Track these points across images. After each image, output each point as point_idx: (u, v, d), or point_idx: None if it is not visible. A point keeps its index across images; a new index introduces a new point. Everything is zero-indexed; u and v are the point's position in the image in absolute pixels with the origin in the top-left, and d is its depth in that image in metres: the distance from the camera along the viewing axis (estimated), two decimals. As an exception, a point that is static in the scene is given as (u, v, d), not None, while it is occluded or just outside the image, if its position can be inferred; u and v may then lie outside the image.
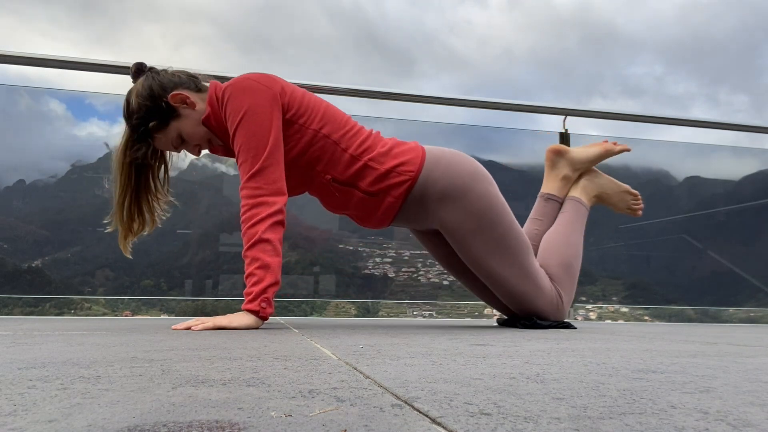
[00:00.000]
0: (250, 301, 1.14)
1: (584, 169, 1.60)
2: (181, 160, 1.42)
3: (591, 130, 2.76)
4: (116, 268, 2.67)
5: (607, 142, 1.60)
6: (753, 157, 3.20)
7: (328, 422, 0.32)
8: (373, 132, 1.35)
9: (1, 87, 2.35)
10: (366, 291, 2.96)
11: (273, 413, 0.34)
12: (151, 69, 1.29)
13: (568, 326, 1.43)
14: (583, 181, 1.59)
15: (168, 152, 1.36)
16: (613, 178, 1.62)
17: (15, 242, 2.60)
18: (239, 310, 1.16)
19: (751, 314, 3.08)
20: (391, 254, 2.96)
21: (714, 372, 0.57)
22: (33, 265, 2.61)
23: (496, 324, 1.61)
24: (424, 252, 3.06)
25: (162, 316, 2.48)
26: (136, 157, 1.28)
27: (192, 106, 1.27)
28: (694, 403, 0.39)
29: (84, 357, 0.62)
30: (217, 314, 1.21)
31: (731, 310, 3.13)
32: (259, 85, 1.22)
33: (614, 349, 0.83)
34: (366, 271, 2.91)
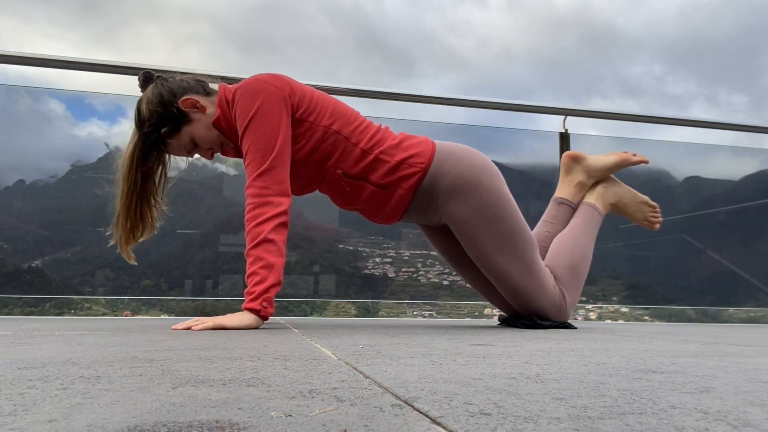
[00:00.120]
0: (252, 300, 1.14)
1: (599, 177, 1.60)
2: (181, 160, 1.42)
3: (591, 130, 2.76)
4: (116, 268, 2.67)
5: (626, 152, 1.60)
6: (753, 157, 3.20)
7: (328, 422, 0.32)
8: (382, 127, 1.36)
9: (1, 87, 2.35)
10: (366, 291, 2.96)
11: (273, 413, 0.34)
12: (159, 76, 1.31)
13: (569, 326, 1.43)
14: (599, 188, 1.59)
15: (167, 161, 1.37)
16: (631, 188, 1.62)
17: (15, 242, 2.60)
18: (239, 309, 1.16)
19: (751, 314, 3.08)
20: (391, 254, 2.96)
21: (714, 372, 0.57)
22: (33, 265, 2.61)
23: (496, 324, 1.61)
24: (424, 252, 3.06)
25: (162, 316, 2.48)
26: (145, 163, 1.29)
27: (202, 110, 1.28)
28: (694, 403, 0.39)
29: (84, 357, 0.62)
30: (217, 314, 1.21)
31: (731, 310, 3.13)
32: (268, 86, 1.23)
33: (614, 349, 0.83)
34: (366, 271, 2.91)
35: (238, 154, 1.36)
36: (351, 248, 2.96)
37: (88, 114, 2.65)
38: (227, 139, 1.32)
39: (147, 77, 1.31)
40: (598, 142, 2.81)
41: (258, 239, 1.16)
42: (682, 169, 3.24)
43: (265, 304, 1.14)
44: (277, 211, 1.19)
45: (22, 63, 2.01)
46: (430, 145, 1.33)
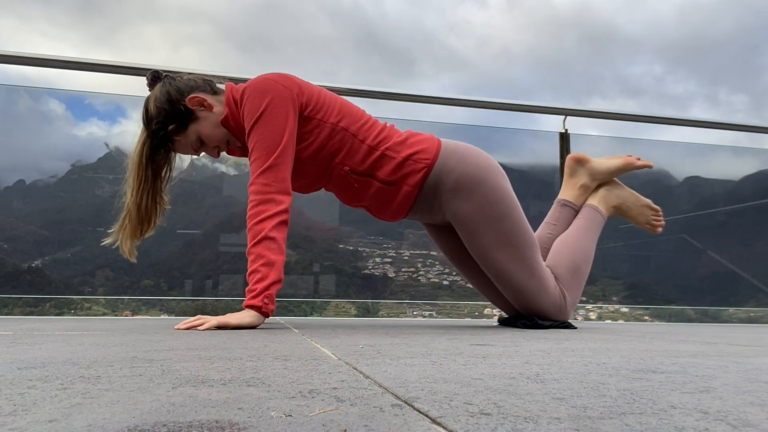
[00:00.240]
0: (253, 297, 1.14)
1: (603, 179, 1.60)
2: (184, 159, 1.43)
3: (591, 130, 2.76)
4: (116, 268, 2.67)
5: (630, 156, 1.60)
6: (753, 157, 3.20)
7: (328, 422, 0.32)
8: (388, 124, 1.37)
9: (1, 87, 2.35)
10: (366, 291, 2.96)
11: (273, 413, 0.34)
12: (167, 75, 1.32)
13: (569, 326, 1.43)
14: (602, 191, 1.60)
15: (173, 159, 1.38)
16: (634, 192, 1.62)
17: (15, 242, 2.60)
18: (239, 309, 1.16)
19: (751, 314, 3.08)
20: (391, 254, 2.96)
21: (714, 372, 0.57)
22: (33, 265, 2.61)
23: (496, 324, 1.61)
24: (424, 252, 3.05)
25: (162, 316, 2.48)
26: (154, 161, 1.30)
27: (209, 108, 1.29)
28: (694, 403, 0.39)
29: (84, 357, 0.62)
30: (217, 314, 1.21)
31: (731, 310, 3.13)
32: (277, 85, 1.25)
33: (614, 349, 0.83)
34: (366, 271, 2.91)
35: (244, 153, 1.37)
36: (351, 248, 2.96)
37: (88, 114, 2.65)
38: (234, 137, 1.33)
39: (155, 76, 1.33)
40: (598, 142, 2.81)
41: (259, 237, 1.17)
42: (682, 169, 3.24)
43: (266, 301, 1.15)
44: (278, 209, 1.20)
45: (22, 63, 2.01)
46: (436, 142, 1.34)
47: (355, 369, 0.55)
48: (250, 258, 1.17)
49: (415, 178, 1.31)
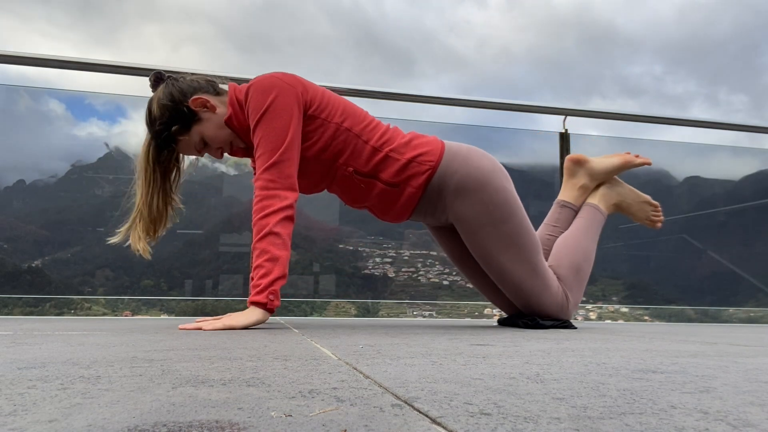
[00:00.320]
0: (258, 293, 1.14)
1: (603, 179, 1.61)
2: (188, 158, 1.43)
3: (591, 130, 2.76)
4: (116, 268, 2.67)
5: (629, 153, 1.60)
6: (753, 157, 3.20)
7: (328, 422, 0.32)
8: (391, 126, 1.37)
9: (1, 87, 2.35)
10: (366, 291, 2.96)
11: (273, 413, 0.34)
12: (170, 76, 1.33)
13: (569, 326, 1.43)
14: (602, 189, 1.60)
15: (182, 159, 1.38)
16: (633, 188, 1.63)
17: (15, 242, 2.60)
18: (239, 309, 1.16)
19: (751, 314, 3.08)
20: (391, 254, 2.96)
21: (714, 372, 0.57)
22: (33, 265, 2.61)
23: (496, 324, 1.61)
24: (424, 252, 3.05)
25: (162, 316, 2.48)
26: (160, 161, 1.31)
27: (212, 109, 1.29)
28: (694, 403, 0.39)
29: (84, 357, 0.62)
30: (217, 314, 1.21)
31: (731, 310, 3.13)
32: (282, 83, 1.25)
33: (614, 349, 0.83)
34: (366, 271, 2.91)
35: (247, 153, 1.38)
36: (351, 248, 2.96)
37: (88, 114, 2.65)
38: (238, 138, 1.33)
39: (158, 77, 1.33)
40: (598, 142, 2.81)
41: (263, 232, 1.17)
42: (682, 169, 3.24)
43: (271, 296, 1.15)
44: (283, 205, 1.20)
45: (22, 63, 2.01)
46: (440, 144, 1.34)
47: (355, 369, 0.55)
48: (255, 253, 1.18)
49: (419, 180, 1.31)
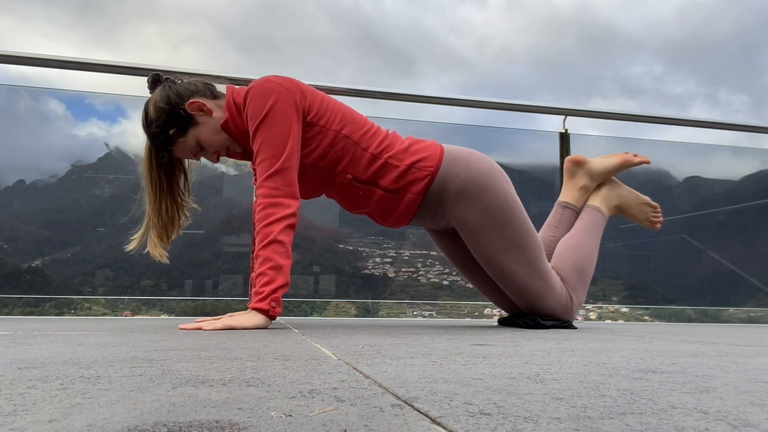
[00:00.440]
0: (260, 300, 1.15)
1: (602, 179, 1.62)
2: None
3: (591, 130, 2.76)
4: (116, 268, 2.67)
5: (627, 153, 1.61)
6: (753, 157, 3.20)
7: (328, 422, 0.32)
8: (390, 132, 1.37)
9: (1, 87, 2.35)
10: (366, 291, 2.96)
11: (273, 413, 0.34)
12: (167, 79, 1.32)
13: (569, 326, 1.43)
14: (603, 191, 1.61)
15: (186, 160, 1.38)
16: (633, 190, 1.64)
17: (15, 242, 2.60)
18: (239, 309, 1.16)
19: (751, 314, 3.08)
20: (391, 254, 2.96)
21: (714, 372, 0.57)
22: (33, 265, 2.61)
23: (496, 324, 1.61)
24: (424, 252, 3.05)
25: (162, 316, 2.48)
26: (162, 165, 1.31)
27: (209, 113, 1.29)
28: (694, 403, 0.39)
29: (84, 357, 0.62)
30: (217, 314, 1.21)
31: (731, 310, 3.13)
32: (280, 88, 1.24)
33: (614, 349, 0.83)
34: (366, 271, 2.91)
35: (245, 157, 1.37)
36: (351, 248, 2.96)
37: (88, 114, 2.65)
38: (235, 142, 1.33)
39: (155, 79, 1.32)
40: (598, 142, 2.81)
41: (267, 240, 1.17)
42: (682, 169, 3.24)
43: (273, 304, 1.15)
44: (287, 213, 1.20)
45: (22, 63, 2.01)
46: (439, 148, 1.34)
47: (355, 369, 0.55)
48: (258, 260, 1.18)
49: (419, 185, 1.30)
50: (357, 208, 1.39)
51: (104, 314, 2.45)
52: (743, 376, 0.55)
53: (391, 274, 2.94)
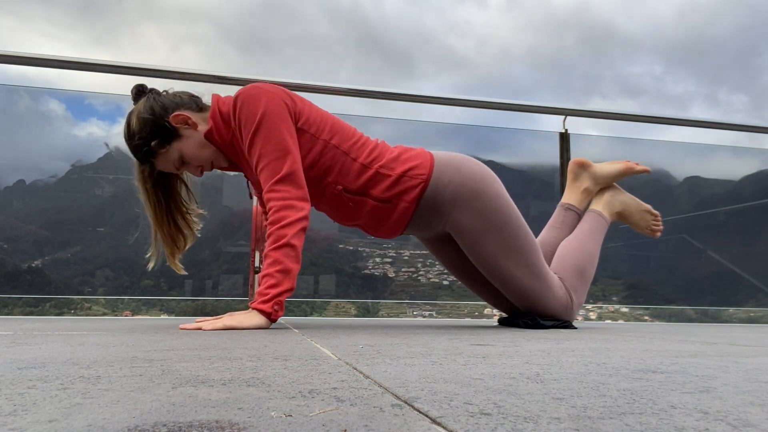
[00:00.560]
0: (264, 302, 1.14)
1: (605, 184, 1.64)
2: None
3: (591, 130, 2.76)
4: (116, 268, 2.67)
5: (629, 161, 1.64)
6: (753, 157, 3.20)
7: (328, 422, 0.32)
8: (379, 141, 1.36)
9: (1, 87, 2.36)
10: (366, 291, 2.96)
11: (273, 413, 0.34)
12: (152, 90, 1.30)
13: (569, 326, 1.43)
14: (606, 196, 1.63)
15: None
16: (635, 197, 1.66)
17: (15, 242, 2.59)
18: (239, 309, 1.16)
19: (751, 314, 3.08)
20: (391, 254, 2.96)
21: (714, 372, 0.57)
22: (33, 265, 2.61)
23: (496, 324, 1.61)
24: (424, 252, 3.05)
25: (162, 316, 2.48)
26: (157, 179, 1.29)
27: (194, 126, 1.27)
28: (694, 403, 0.39)
29: (84, 357, 0.62)
30: (217, 314, 1.21)
31: (731, 310, 3.13)
32: (269, 93, 1.23)
33: (614, 349, 0.83)
34: (366, 271, 2.91)
35: (232, 168, 1.36)
36: (351, 248, 2.96)
37: (88, 114, 2.65)
38: (221, 155, 1.31)
39: (140, 90, 1.30)
40: (598, 142, 2.81)
41: (280, 242, 1.16)
42: (682, 169, 3.24)
43: (276, 307, 1.15)
44: (300, 216, 1.19)
45: (22, 63, 2.01)
46: (429, 156, 1.33)
47: (355, 369, 0.55)
48: (267, 261, 1.17)
49: (411, 194, 1.30)
50: (348, 220, 1.37)
51: (104, 314, 2.45)
52: (743, 376, 0.55)
53: (391, 274, 2.94)
